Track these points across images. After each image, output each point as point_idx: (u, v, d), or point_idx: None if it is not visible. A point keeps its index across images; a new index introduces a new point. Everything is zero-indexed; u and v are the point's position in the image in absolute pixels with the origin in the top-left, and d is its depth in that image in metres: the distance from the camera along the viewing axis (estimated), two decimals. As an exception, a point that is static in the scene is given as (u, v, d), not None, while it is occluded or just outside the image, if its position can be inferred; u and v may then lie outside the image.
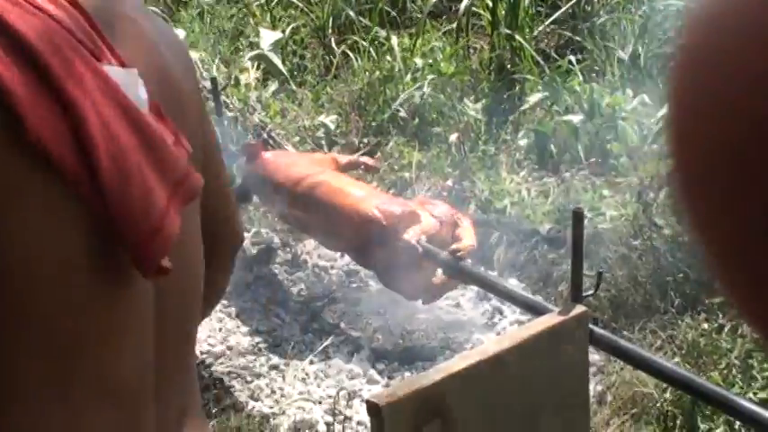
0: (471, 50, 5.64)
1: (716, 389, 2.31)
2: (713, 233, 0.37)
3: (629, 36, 5.16)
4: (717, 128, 0.35)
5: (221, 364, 3.54)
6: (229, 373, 3.49)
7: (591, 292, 2.38)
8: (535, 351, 2.18)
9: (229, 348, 3.63)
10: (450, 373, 2.07)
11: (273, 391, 3.38)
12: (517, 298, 3.11)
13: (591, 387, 3.12)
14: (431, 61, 5.27)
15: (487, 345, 2.34)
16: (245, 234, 4.35)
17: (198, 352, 3.61)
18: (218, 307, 3.89)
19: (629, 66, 4.98)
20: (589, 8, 5.69)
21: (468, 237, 3.22)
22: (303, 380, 3.42)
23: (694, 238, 0.38)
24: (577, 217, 2.19)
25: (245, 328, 3.76)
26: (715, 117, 0.35)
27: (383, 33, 5.76)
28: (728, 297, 0.38)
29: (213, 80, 4.32)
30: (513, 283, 3.77)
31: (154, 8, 6.68)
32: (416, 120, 5.04)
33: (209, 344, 3.67)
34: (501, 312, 3.77)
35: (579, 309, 2.29)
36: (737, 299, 0.38)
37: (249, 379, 3.45)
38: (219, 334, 3.74)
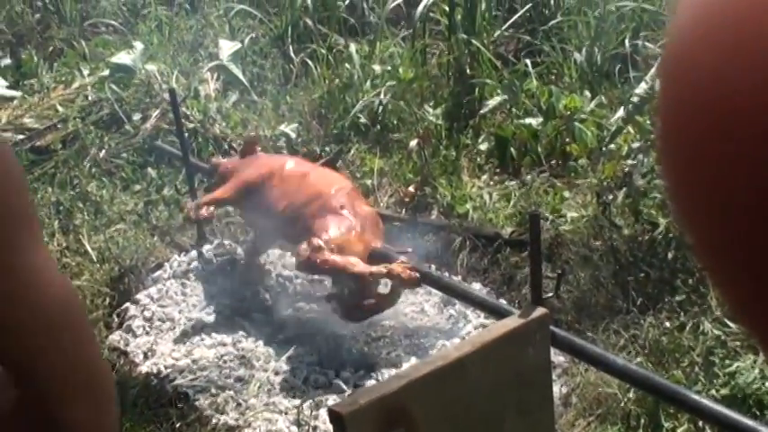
0: (430, 56, 5.65)
1: (676, 387, 2.33)
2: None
3: (585, 38, 5.20)
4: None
5: (185, 377, 3.51)
6: (194, 386, 3.46)
7: (551, 294, 2.39)
8: (496, 354, 2.19)
9: (194, 362, 3.60)
10: (411, 379, 2.07)
11: (239, 404, 3.35)
12: (481, 302, 3.13)
13: (556, 389, 3.13)
14: (389, 68, 5.28)
15: (449, 350, 2.34)
16: (208, 246, 4.33)
17: (162, 366, 3.58)
18: (182, 320, 3.86)
19: (585, 67, 5.01)
20: (546, 11, 5.73)
21: None
22: (269, 391, 3.40)
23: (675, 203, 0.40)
24: (534, 220, 2.20)
25: (209, 341, 3.73)
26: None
27: (341, 41, 5.76)
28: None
29: (172, 92, 4.28)
30: (476, 288, 3.78)
31: (112, 21, 6.63)
32: (377, 126, 5.04)
33: (173, 357, 3.64)
34: (466, 317, 3.77)
35: (540, 311, 2.30)
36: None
37: (214, 392, 3.42)
38: (184, 347, 3.71)
